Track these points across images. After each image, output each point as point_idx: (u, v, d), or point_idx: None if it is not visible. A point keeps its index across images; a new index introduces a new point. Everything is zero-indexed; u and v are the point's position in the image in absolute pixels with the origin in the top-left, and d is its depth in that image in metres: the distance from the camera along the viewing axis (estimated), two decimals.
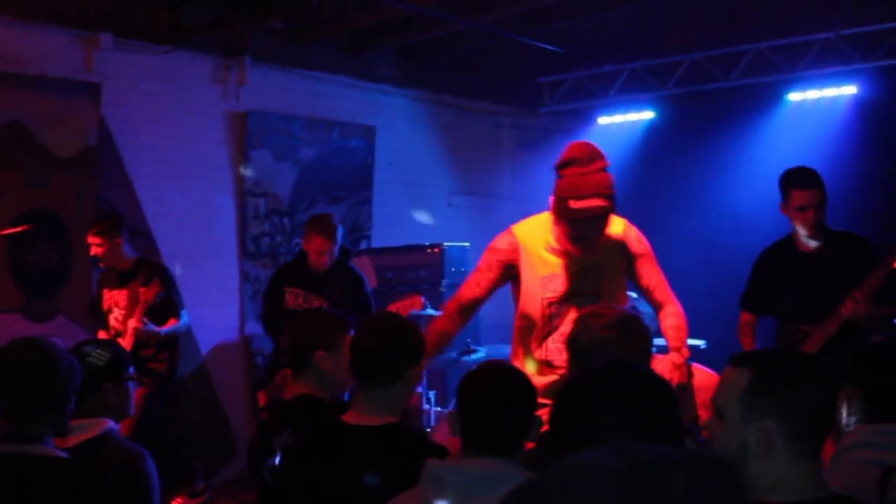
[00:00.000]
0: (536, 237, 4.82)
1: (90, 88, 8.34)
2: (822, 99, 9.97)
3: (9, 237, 7.21)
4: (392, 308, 7.02)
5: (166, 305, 7.40)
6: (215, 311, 7.88)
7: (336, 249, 7.24)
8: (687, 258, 10.50)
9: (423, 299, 7.13)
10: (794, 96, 10.15)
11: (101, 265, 7.53)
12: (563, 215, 4.54)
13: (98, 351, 3.86)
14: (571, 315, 4.57)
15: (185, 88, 9.10)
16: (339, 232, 7.28)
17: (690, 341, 7.99)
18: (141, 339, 7.12)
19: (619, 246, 4.82)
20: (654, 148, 11.40)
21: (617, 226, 4.83)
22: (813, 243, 5.82)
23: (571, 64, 10.91)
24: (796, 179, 5.75)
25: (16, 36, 8.03)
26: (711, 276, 9.68)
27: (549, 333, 4.75)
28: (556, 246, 4.74)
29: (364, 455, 3.30)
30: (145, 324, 7.10)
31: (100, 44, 8.42)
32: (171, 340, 7.56)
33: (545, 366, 4.74)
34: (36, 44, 8.14)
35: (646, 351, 3.50)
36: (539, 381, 4.44)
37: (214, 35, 9.06)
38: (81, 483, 3.00)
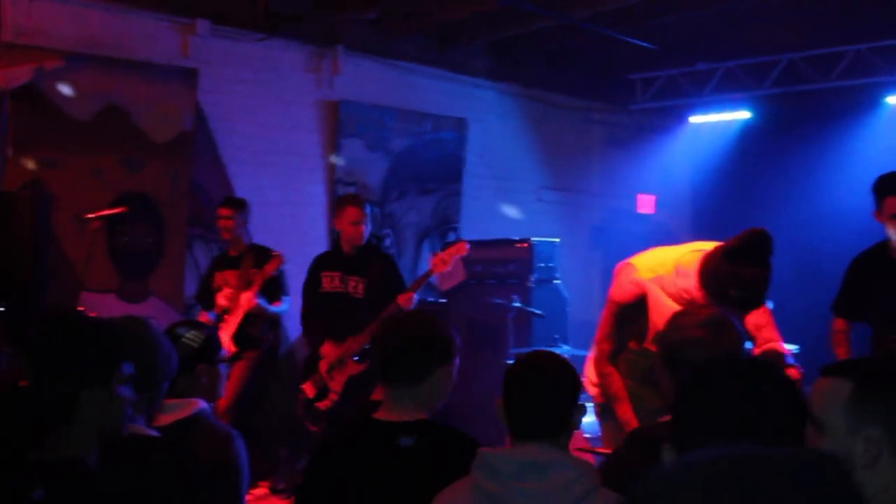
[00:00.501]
0: (664, 280, 4.87)
1: (187, 74, 8.45)
2: None
3: (106, 218, 7.32)
4: (436, 259, 7.02)
5: (274, 288, 7.63)
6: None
7: (369, 222, 7.25)
8: (780, 262, 10.34)
9: (467, 244, 7.11)
10: (892, 99, 9.95)
11: (225, 236, 7.76)
12: (719, 299, 4.46)
13: (193, 332, 3.90)
14: None
15: (280, 76, 9.19)
16: (368, 209, 7.30)
17: (785, 346, 7.89)
18: (254, 312, 7.38)
19: None
20: (747, 149, 11.26)
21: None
22: None
23: (665, 61, 10.80)
24: (890, 186, 5.60)
25: (114, 21, 8.16)
26: (805, 281, 9.53)
27: None
28: (686, 297, 4.69)
29: (394, 449, 3.28)
30: (260, 299, 7.42)
31: (197, 30, 8.54)
32: (276, 321, 7.85)
33: None
34: (134, 29, 8.28)
35: (737, 352, 3.44)
36: None
37: (309, 25, 9.13)
38: (171, 461, 3.02)
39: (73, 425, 2.68)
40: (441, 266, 7.00)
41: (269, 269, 7.46)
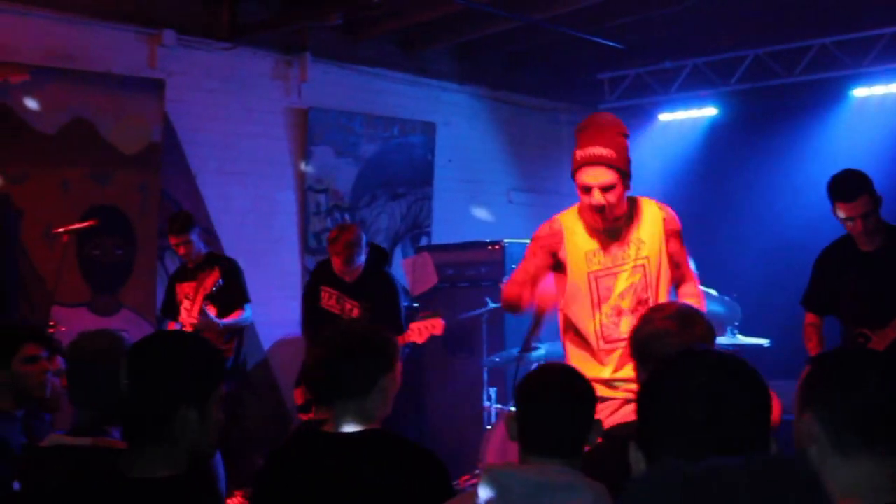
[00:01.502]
0: (577, 219, 4.88)
1: (154, 85, 8.43)
2: (889, 94, 9.83)
3: (76, 232, 7.29)
4: (413, 327, 6.99)
5: (230, 296, 7.48)
6: (277, 307, 7.93)
7: (362, 259, 7.19)
8: (750, 256, 10.41)
9: (443, 322, 7.04)
10: (858, 92, 10.01)
11: (189, 264, 7.66)
12: (573, 173, 4.70)
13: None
14: (620, 287, 4.73)
15: (247, 85, 9.17)
16: (363, 242, 7.22)
17: (754, 340, 7.96)
18: (201, 329, 7.18)
19: (656, 224, 4.88)
20: (716, 144, 11.31)
21: (651, 206, 4.97)
22: (872, 244, 5.73)
23: (632, 60, 10.84)
24: (839, 191, 5.64)
25: (80, 33, 8.14)
26: (775, 274, 9.58)
27: (601, 309, 4.75)
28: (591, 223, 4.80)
29: (343, 462, 3.20)
30: (203, 314, 7.19)
31: (163, 41, 8.52)
32: (237, 332, 7.64)
33: (603, 342, 4.74)
34: (100, 41, 8.25)
35: (710, 341, 3.45)
36: (602, 359, 4.71)
37: (275, 32, 9.13)
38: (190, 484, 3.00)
39: (169, 443, 2.64)
40: (416, 336, 6.94)
41: (209, 284, 7.25)
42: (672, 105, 11.50)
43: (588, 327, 4.75)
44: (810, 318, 6.09)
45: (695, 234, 8.63)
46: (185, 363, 2.71)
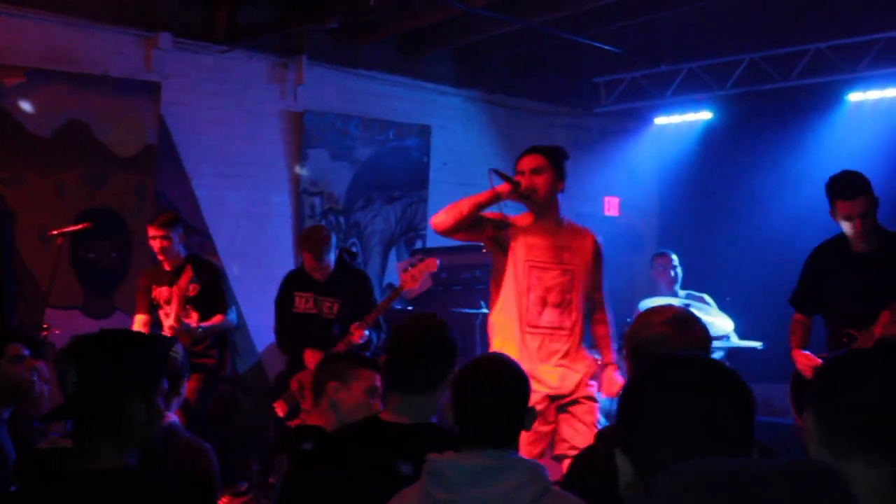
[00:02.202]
0: (524, 218, 5.64)
1: (149, 88, 8.43)
2: (884, 99, 9.84)
3: (70, 234, 7.28)
4: (406, 276, 6.94)
5: (210, 299, 7.31)
6: (271, 310, 7.89)
7: (331, 258, 7.16)
8: (744, 259, 10.42)
9: (437, 260, 7.07)
10: (854, 96, 10.03)
11: (161, 258, 7.40)
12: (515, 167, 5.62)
13: (173, 347, 3.89)
14: (549, 282, 5.48)
15: (243, 88, 9.18)
16: (332, 241, 7.20)
17: (748, 342, 7.98)
18: (179, 334, 7.05)
19: (588, 243, 5.68)
20: (711, 148, 11.33)
21: (588, 231, 5.77)
22: (866, 245, 5.75)
23: (628, 64, 10.85)
24: (839, 189, 5.66)
25: (76, 36, 8.14)
26: (769, 277, 9.58)
27: (529, 296, 5.47)
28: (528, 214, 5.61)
29: (395, 448, 3.30)
30: (180, 322, 7.00)
31: (159, 44, 8.53)
32: (221, 336, 7.54)
33: (527, 325, 5.45)
34: (96, 44, 8.25)
35: (704, 350, 3.46)
36: (528, 343, 5.42)
37: (271, 35, 9.13)
38: (143, 474, 3.01)
39: (118, 436, 2.73)
40: (411, 283, 6.94)
41: (183, 284, 7.01)
42: (668, 109, 11.52)
43: (514, 310, 5.44)
44: (798, 315, 6.10)
45: (689, 238, 8.71)
46: (129, 358, 2.80)
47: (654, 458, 1.89)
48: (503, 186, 5.43)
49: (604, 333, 5.76)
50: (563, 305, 5.47)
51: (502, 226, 5.54)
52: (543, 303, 5.45)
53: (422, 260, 7.07)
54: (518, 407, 2.98)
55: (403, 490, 2.93)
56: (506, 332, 5.48)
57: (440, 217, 5.53)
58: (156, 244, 7.34)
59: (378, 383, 4.31)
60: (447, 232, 5.54)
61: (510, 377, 3.02)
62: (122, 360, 2.79)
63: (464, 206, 5.45)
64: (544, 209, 5.55)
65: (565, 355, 5.44)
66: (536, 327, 5.43)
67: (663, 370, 2.04)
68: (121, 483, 2.67)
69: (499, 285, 5.58)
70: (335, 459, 3.40)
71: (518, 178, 5.46)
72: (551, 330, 5.44)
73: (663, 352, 3.09)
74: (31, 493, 2.78)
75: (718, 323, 8.08)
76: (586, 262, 5.59)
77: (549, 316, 5.44)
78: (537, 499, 2.73)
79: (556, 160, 5.59)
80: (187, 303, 7.11)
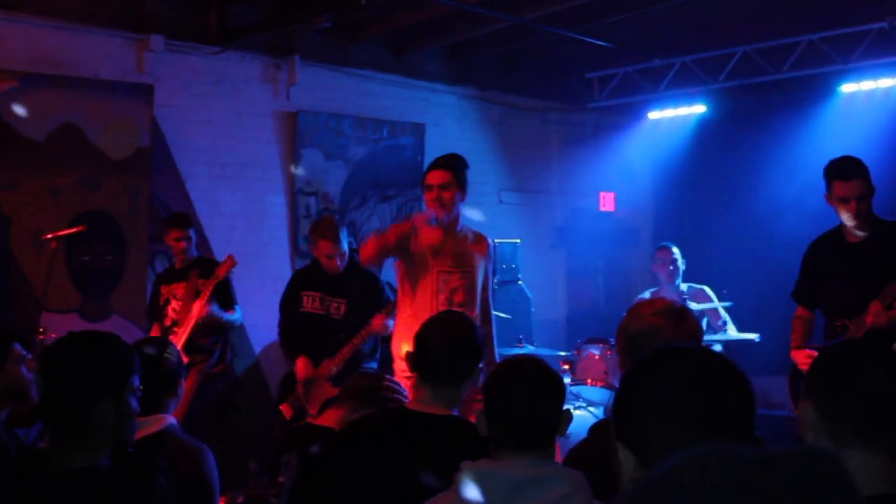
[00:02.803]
0: (427, 223, 5.97)
1: (142, 90, 8.42)
2: (877, 90, 9.85)
3: (65, 238, 7.28)
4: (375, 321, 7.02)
5: (224, 296, 7.50)
6: (268, 310, 7.90)
7: (345, 248, 7.15)
8: (739, 252, 10.43)
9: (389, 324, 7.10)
10: (846, 87, 10.03)
11: (178, 265, 7.66)
12: (422, 181, 6.16)
13: (168, 349, 3.89)
14: (454, 284, 5.95)
15: (236, 89, 9.17)
16: (344, 232, 7.21)
17: (745, 335, 8.00)
18: (206, 321, 7.22)
19: (482, 246, 6.19)
20: (705, 142, 11.33)
21: (481, 235, 6.27)
22: (860, 234, 5.76)
23: (620, 59, 10.84)
24: (837, 170, 5.71)
25: (68, 39, 8.13)
26: (764, 270, 9.62)
27: (438, 298, 5.91)
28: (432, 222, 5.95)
29: (422, 440, 3.31)
30: (213, 306, 7.26)
31: (151, 46, 8.52)
32: (224, 332, 7.63)
33: None
34: (87, 47, 8.25)
35: (696, 342, 3.45)
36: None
37: (263, 35, 9.12)
38: (143, 476, 3.01)
39: (87, 436, 2.76)
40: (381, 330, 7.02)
41: (221, 271, 7.30)
42: (661, 103, 11.52)
43: (425, 311, 5.66)
44: (800, 311, 6.12)
45: (684, 231, 8.71)
46: (94, 359, 2.85)
47: (656, 449, 1.88)
48: (405, 225, 6.20)
49: (487, 332, 6.03)
50: (465, 306, 5.88)
51: (410, 240, 5.99)
52: (450, 303, 5.86)
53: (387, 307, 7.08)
54: (556, 409, 2.89)
55: (435, 498, 2.82)
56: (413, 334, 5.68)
57: (362, 255, 6.29)
58: (181, 245, 7.58)
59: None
60: (374, 265, 6.49)
61: (547, 378, 2.92)
62: (86, 361, 2.84)
63: (370, 251, 6.12)
64: (449, 220, 6.00)
65: None
66: None
67: (663, 360, 2.03)
68: (88, 483, 2.70)
69: (407, 289, 6.06)
70: (361, 447, 3.41)
71: (427, 192, 6.04)
72: None
73: (656, 344, 3.08)
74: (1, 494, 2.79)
75: (721, 312, 8.13)
76: (483, 265, 6.15)
77: None
78: None
79: (459, 174, 6.08)
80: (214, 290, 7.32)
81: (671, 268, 8.48)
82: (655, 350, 2.10)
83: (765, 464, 1.37)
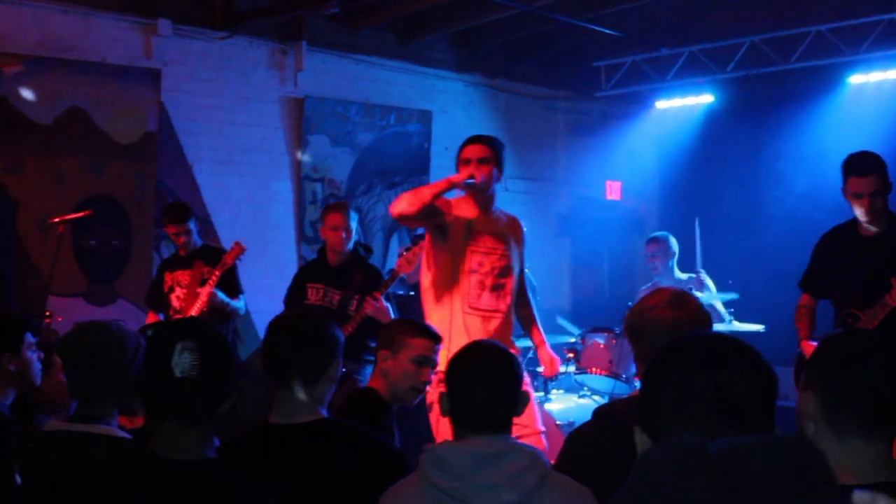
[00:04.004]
0: (462, 202, 5.75)
1: (149, 75, 8.43)
2: (885, 81, 9.83)
3: (71, 222, 7.29)
4: (401, 260, 6.96)
5: (230, 283, 7.44)
6: (273, 296, 7.89)
7: (353, 226, 7.14)
8: (746, 242, 10.42)
9: None
10: (855, 79, 10.01)
11: (182, 252, 7.54)
12: (458, 155, 5.80)
13: None
14: (488, 266, 5.68)
15: (243, 74, 9.17)
16: (353, 215, 7.20)
17: (750, 326, 7.99)
18: (213, 307, 7.19)
19: (518, 231, 5.94)
20: (712, 131, 11.31)
21: (516, 219, 6.00)
22: (874, 228, 5.76)
23: (628, 47, 10.83)
24: (854, 166, 5.69)
25: (76, 23, 8.13)
26: (771, 260, 9.60)
27: (470, 279, 5.67)
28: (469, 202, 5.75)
29: (293, 454, 3.22)
30: (218, 292, 7.19)
31: (158, 30, 8.52)
32: (227, 321, 7.61)
33: (467, 306, 5.64)
34: (95, 31, 8.25)
35: (704, 327, 3.43)
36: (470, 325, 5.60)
37: (270, 21, 9.11)
38: (138, 462, 3.02)
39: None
40: (406, 267, 6.93)
41: (229, 258, 7.25)
42: (669, 92, 11.50)
43: (455, 292, 5.64)
44: (804, 299, 6.13)
45: (691, 221, 8.68)
46: None
47: (670, 434, 1.89)
48: (458, 176, 5.65)
49: (528, 314, 6.08)
50: (498, 289, 5.70)
51: (446, 213, 5.74)
52: (482, 286, 5.67)
53: (417, 244, 7.06)
54: (513, 391, 3.01)
55: (400, 482, 2.91)
56: (445, 311, 5.67)
57: (401, 205, 5.64)
58: (180, 239, 7.46)
59: (430, 353, 4.34)
60: (409, 219, 5.81)
61: (505, 361, 3.05)
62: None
63: (425, 194, 5.62)
64: (486, 198, 5.76)
65: (500, 338, 5.48)
66: (476, 309, 5.65)
67: (681, 348, 2.04)
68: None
69: (436, 267, 5.78)
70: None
71: (463, 167, 5.68)
72: (489, 312, 5.66)
73: (665, 334, 3.08)
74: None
75: (718, 306, 8.11)
76: (518, 249, 5.88)
77: (487, 299, 5.67)
78: (539, 483, 2.74)
79: (498, 152, 5.80)
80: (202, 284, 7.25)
81: (662, 259, 8.48)
82: (678, 339, 2.11)
83: (732, 456, 1.38)
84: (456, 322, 5.63)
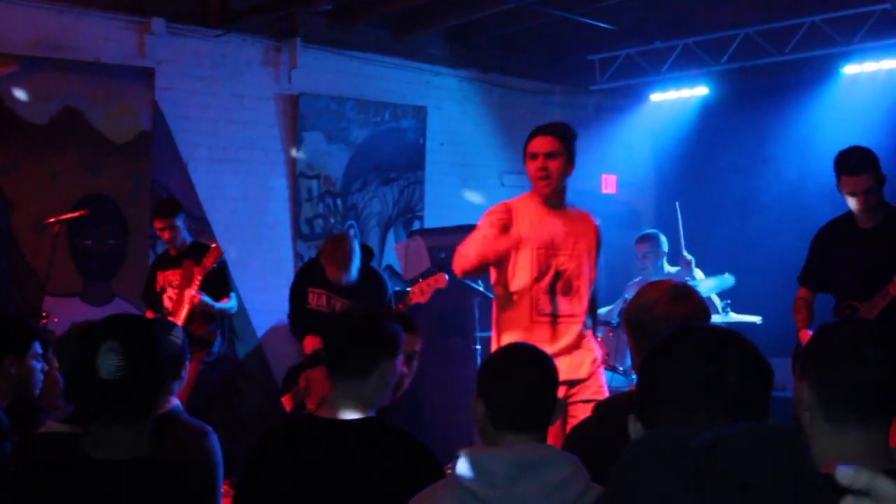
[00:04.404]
0: (527, 201, 5.46)
1: (143, 73, 8.42)
2: (880, 71, 9.82)
3: (66, 222, 7.28)
4: (415, 289, 6.95)
5: (218, 284, 7.40)
6: (270, 293, 7.93)
7: (356, 265, 7.08)
8: (742, 234, 10.42)
9: (446, 276, 7.04)
10: (849, 69, 9.99)
11: (172, 251, 7.55)
12: (524, 148, 5.49)
13: (173, 331, 3.89)
14: (557, 268, 5.26)
15: (237, 72, 9.17)
16: (356, 246, 7.13)
17: (747, 317, 8.00)
18: (196, 310, 7.16)
19: (591, 228, 5.49)
20: (707, 124, 11.30)
21: (589, 216, 5.56)
22: (871, 222, 5.77)
23: (623, 41, 10.82)
24: (845, 165, 5.71)
25: (69, 23, 8.12)
26: (767, 251, 9.60)
27: (539, 283, 5.25)
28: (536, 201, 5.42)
29: (337, 450, 3.22)
30: (204, 296, 7.15)
31: (152, 29, 8.51)
32: (221, 319, 7.59)
33: (536, 313, 5.26)
34: (89, 30, 8.24)
35: (702, 320, 3.43)
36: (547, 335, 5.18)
37: (265, 18, 9.11)
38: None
39: None
40: (419, 297, 6.90)
41: (207, 262, 7.19)
42: (663, 85, 11.48)
43: (525, 298, 5.24)
44: (802, 292, 6.14)
45: (686, 213, 8.69)
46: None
47: (665, 424, 1.90)
48: (510, 241, 5.24)
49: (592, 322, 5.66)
50: (571, 292, 5.29)
51: (507, 223, 5.31)
52: (552, 290, 5.25)
53: (432, 274, 7.03)
54: (551, 396, 2.93)
55: (433, 486, 2.82)
56: (514, 323, 5.31)
57: (464, 264, 5.30)
58: (164, 235, 7.46)
59: (413, 346, 4.27)
60: (472, 275, 5.56)
61: (543, 365, 2.96)
62: None
63: (489, 254, 5.24)
64: (553, 195, 5.39)
65: (575, 341, 5.29)
66: (546, 315, 5.24)
67: (677, 339, 2.04)
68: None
69: (505, 275, 5.34)
70: (271, 468, 3.33)
71: (530, 161, 5.38)
72: (561, 318, 5.26)
73: (661, 324, 3.09)
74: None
75: (714, 299, 8.13)
76: (590, 246, 5.43)
77: (558, 303, 5.26)
78: (581, 495, 2.63)
79: (568, 142, 5.41)
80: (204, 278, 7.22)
81: (653, 259, 8.48)
82: (674, 330, 2.11)
83: (712, 449, 1.39)
84: (523, 332, 5.20)
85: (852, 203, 5.74)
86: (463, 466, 2.68)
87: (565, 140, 5.38)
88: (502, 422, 2.85)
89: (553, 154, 5.33)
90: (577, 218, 5.46)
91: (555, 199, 5.39)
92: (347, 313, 3.59)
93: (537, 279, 5.23)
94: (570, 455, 2.77)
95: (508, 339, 5.10)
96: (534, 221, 5.31)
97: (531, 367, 2.92)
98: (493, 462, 2.65)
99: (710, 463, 1.40)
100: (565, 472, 2.65)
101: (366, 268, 7.25)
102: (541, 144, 5.37)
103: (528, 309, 5.24)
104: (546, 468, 2.64)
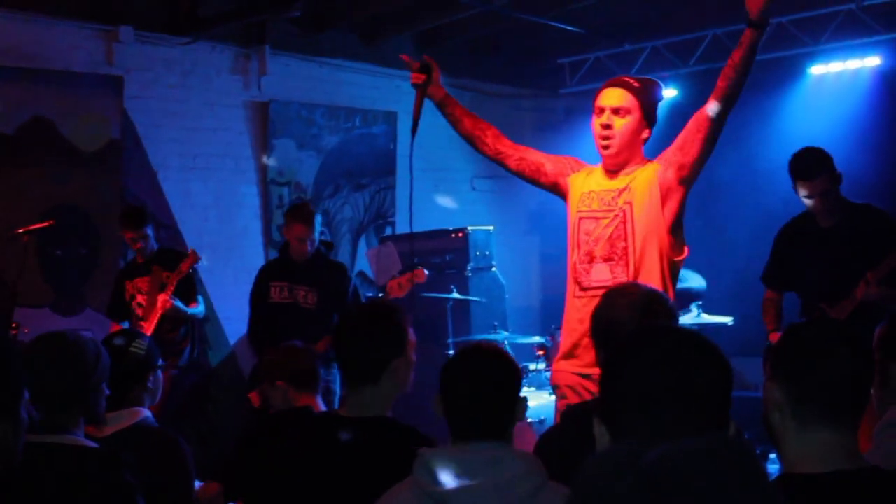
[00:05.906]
0: (592, 167, 4.83)
1: (112, 82, 8.39)
2: (845, 71, 9.89)
3: (36, 232, 7.24)
4: (393, 283, 6.96)
5: (187, 289, 7.40)
6: (242, 301, 7.88)
7: (316, 237, 7.11)
8: (712, 234, 10.45)
9: (425, 271, 7.04)
10: (816, 69, 10.05)
11: (139, 259, 7.51)
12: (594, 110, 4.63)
13: (136, 342, 3.88)
14: (596, 233, 4.58)
15: (206, 79, 9.15)
16: (318, 219, 7.17)
17: (718, 318, 8.02)
18: (168, 315, 7.14)
19: (650, 175, 4.63)
20: (676, 126, 11.25)
21: (652, 164, 4.73)
22: (830, 220, 5.80)
23: (592, 44, 10.85)
24: (798, 170, 5.75)
25: (37, 31, 8.09)
26: (737, 253, 9.64)
27: (578, 251, 4.65)
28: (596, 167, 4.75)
29: (350, 444, 3.23)
30: (176, 301, 7.13)
31: (120, 37, 8.49)
32: (192, 324, 7.59)
33: (578, 288, 4.62)
34: (57, 39, 8.21)
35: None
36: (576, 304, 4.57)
37: (234, 25, 9.09)
38: (107, 472, 3.01)
39: None
40: (397, 291, 6.91)
41: (185, 266, 7.19)
42: None
43: (569, 270, 4.67)
44: (769, 293, 6.18)
45: None
46: None
47: (628, 427, 1.89)
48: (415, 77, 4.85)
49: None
50: (615, 259, 4.49)
51: (564, 173, 4.87)
52: (591, 258, 4.56)
53: (412, 270, 7.04)
54: (511, 397, 2.89)
55: (394, 487, 2.82)
56: (567, 296, 4.69)
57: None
58: (137, 245, 7.42)
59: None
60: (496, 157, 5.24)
61: (501, 366, 2.92)
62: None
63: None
64: (616, 160, 4.63)
65: None
66: (587, 289, 4.52)
67: (639, 340, 2.04)
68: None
69: (568, 248, 4.72)
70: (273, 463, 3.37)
71: (596, 116, 4.65)
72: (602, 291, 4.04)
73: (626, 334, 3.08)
74: None
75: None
76: (644, 197, 4.55)
77: (599, 273, 4.50)
78: (536, 491, 2.65)
79: (644, 97, 4.66)
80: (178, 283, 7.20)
81: None
82: (635, 331, 2.12)
83: (661, 464, 1.40)
84: (569, 309, 4.64)
85: (810, 205, 5.78)
86: (419, 466, 2.72)
87: (639, 94, 4.61)
88: (457, 426, 2.86)
89: (622, 110, 4.57)
90: (636, 171, 4.70)
91: (616, 163, 4.64)
92: (353, 313, 3.60)
93: (578, 248, 4.65)
94: (526, 453, 2.81)
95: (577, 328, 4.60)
96: (584, 183, 4.74)
97: (486, 372, 2.89)
98: (444, 461, 2.68)
99: (662, 479, 1.41)
100: (518, 469, 2.67)
101: (326, 259, 7.26)
102: (608, 97, 4.61)
103: (572, 284, 4.65)
104: (498, 466, 2.66)
